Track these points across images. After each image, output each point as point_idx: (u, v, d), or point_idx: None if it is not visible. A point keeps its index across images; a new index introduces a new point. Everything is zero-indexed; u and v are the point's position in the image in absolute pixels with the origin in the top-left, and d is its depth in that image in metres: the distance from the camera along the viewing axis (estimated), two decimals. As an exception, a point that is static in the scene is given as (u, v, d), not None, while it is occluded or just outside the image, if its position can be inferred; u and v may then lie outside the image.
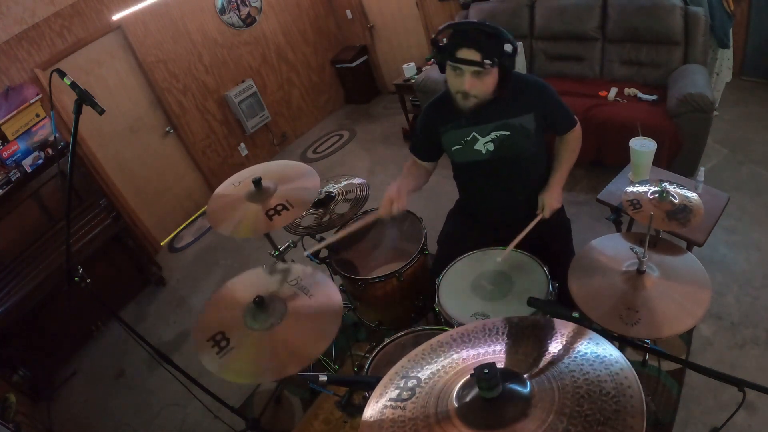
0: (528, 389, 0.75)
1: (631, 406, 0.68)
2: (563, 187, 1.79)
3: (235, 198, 1.88)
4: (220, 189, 1.99)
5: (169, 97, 4.29)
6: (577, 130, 1.83)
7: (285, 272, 1.53)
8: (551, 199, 1.71)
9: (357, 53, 5.50)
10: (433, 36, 1.56)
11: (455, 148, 1.77)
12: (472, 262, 1.77)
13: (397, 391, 0.85)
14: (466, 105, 1.61)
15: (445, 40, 1.54)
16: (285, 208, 1.77)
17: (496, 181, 1.80)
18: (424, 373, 0.87)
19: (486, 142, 1.71)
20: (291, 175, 1.95)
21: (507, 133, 1.68)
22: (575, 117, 1.81)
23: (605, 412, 0.68)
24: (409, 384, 0.86)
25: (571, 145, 1.82)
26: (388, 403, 0.83)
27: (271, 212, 1.76)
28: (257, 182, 1.85)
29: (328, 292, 1.44)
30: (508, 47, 1.49)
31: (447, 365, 0.88)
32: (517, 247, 1.74)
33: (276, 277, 1.52)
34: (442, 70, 1.63)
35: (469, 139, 1.72)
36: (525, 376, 0.78)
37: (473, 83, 1.53)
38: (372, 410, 0.83)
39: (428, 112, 1.82)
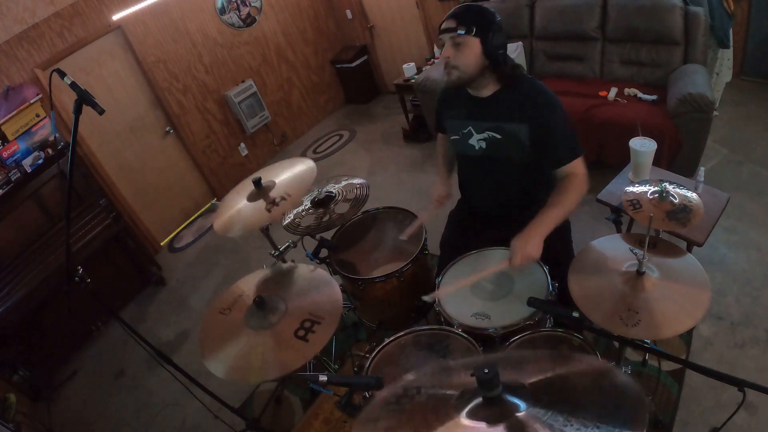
0: (527, 388, 0.75)
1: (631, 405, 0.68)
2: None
3: (238, 202, 1.92)
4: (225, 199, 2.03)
5: (169, 97, 4.29)
6: (580, 173, 1.60)
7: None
8: (523, 246, 1.48)
9: (357, 53, 5.50)
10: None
11: (453, 137, 1.83)
12: (472, 262, 1.77)
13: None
14: (450, 78, 1.64)
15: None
16: (284, 198, 1.80)
17: (489, 179, 1.82)
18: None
19: (479, 139, 1.73)
20: (286, 166, 2.01)
21: (499, 136, 1.68)
22: (579, 156, 1.60)
23: (605, 410, 0.68)
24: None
25: (570, 187, 1.58)
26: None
27: (271, 205, 1.79)
28: (257, 182, 1.88)
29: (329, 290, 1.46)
30: (490, 23, 1.55)
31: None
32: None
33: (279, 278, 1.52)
34: None
35: (465, 132, 1.76)
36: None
37: (452, 52, 1.60)
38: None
39: (440, 97, 1.91)
